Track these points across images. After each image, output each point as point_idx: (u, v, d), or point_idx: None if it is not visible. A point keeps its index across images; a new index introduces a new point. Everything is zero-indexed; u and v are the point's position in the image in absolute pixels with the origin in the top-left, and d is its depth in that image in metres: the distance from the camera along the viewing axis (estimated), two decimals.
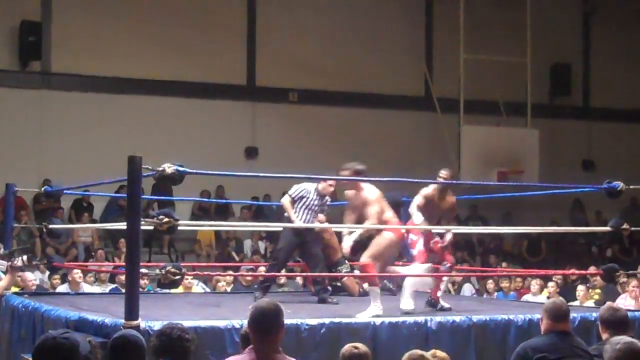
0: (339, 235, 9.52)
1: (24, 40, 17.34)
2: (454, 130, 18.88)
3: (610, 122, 21.61)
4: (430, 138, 19.82)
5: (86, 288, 12.51)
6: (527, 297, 13.17)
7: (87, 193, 15.55)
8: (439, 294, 8.92)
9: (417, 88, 20.37)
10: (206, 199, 16.92)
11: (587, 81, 21.95)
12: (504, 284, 14.09)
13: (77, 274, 12.21)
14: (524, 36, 19.22)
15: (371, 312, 7.90)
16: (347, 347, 5.13)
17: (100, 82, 17.93)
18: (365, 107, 19.79)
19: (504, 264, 16.45)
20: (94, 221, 16.59)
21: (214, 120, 18.59)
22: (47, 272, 13.22)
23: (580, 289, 12.51)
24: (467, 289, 14.74)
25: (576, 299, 12.27)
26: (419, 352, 5.08)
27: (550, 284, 13.16)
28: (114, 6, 18.13)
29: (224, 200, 16.83)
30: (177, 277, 7.53)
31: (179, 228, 8.04)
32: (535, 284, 13.25)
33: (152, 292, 12.26)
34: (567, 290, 13.32)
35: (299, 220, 9.64)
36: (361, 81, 19.67)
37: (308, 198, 9.77)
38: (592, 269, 12.98)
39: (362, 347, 5.12)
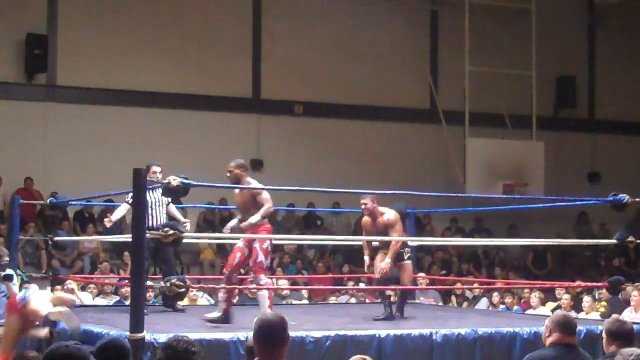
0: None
1: (30, 53, 17.37)
2: (459, 143, 18.87)
3: (615, 134, 21.59)
4: (435, 151, 19.82)
5: (90, 300, 12.50)
6: (530, 311, 13.11)
7: (92, 204, 15.56)
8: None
9: (423, 101, 20.37)
10: (211, 206, 16.84)
11: (593, 94, 21.94)
12: (507, 299, 14.02)
13: (71, 284, 12.17)
14: (529, 49, 19.22)
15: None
16: (355, 359, 5.11)
17: (106, 95, 17.97)
18: (370, 119, 19.80)
19: (511, 275, 16.41)
20: (99, 233, 16.59)
21: (219, 133, 18.60)
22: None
23: (587, 300, 12.47)
24: (484, 304, 14.64)
25: (582, 311, 12.24)
26: None
27: (566, 296, 12.99)
28: (119, 20, 18.17)
29: (226, 207, 16.65)
30: (182, 289, 7.54)
31: (185, 241, 8.05)
32: (534, 297, 13.18)
33: (157, 304, 12.24)
34: (573, 303, 13.27)
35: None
36: (366, 94, 19.68)
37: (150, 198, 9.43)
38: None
39: None
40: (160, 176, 9.64)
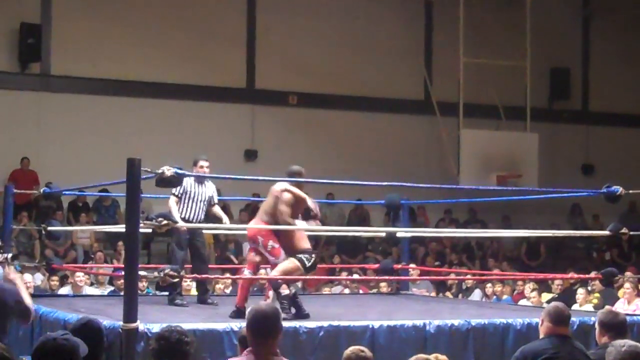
0: None
1: (23, 43, 17.33)
2: (453, 134, 18.87)
3: (609, 126, 21.60)
4: (429, 142, 19.83)
5: (85, 290, 12.51)
6: (522, 302, 13.16)
7: (85, 194, 15.54)
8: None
9: (417, 91, 20.36)
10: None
11: (587, 85, 21.95)
12: (497, 287, 14.07)
13: (78, 277, 12.19)
14: (524, 40, 19.22)
15: None
16: (353, 350, 5.11)
17: (100, 84, 17.93)
18: (364, 110, 19.79)
19: (496, 270, 16.42)
20: (94, 223, 16.57)
21: (213, 123, 18.59)
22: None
23: (581, 292, 12.51)
24: (477, 294, 14.66)
25: (575, 302, 12.27)
26: (423, 356, 5.07)
27: (533, 294, 13.09)
28: (113, 9, 18.12)
29: (220, 198, 16.61)
30: (176, 279, 7.54)
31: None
32: (528, 288, 13.22)
33: (151, 294, 12.26)
34: (566, 294, 13.31)
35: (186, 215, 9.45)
36: (361, 84, 19.67)
37: (189, 190, 9.49)
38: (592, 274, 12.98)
39: (367, 351, 5.12)
40: (207, 170, 9.59)
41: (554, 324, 5.40)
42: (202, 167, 9.59)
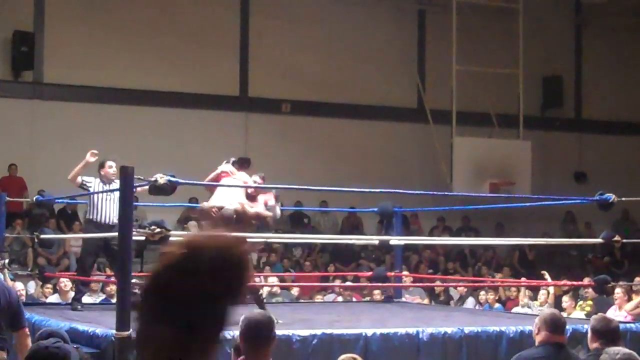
0: None
1: (16, 51, 17.32)
2: (446, 142, 18.89)
3: (602, 134, 21.64)
4: (422, 149, 19.83)
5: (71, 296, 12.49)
6: (517, 309, 13.17)
7: (78, 202, 15.47)
8: None
9: (410, 99, 20.38)
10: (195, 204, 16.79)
11: (579, 93, 21.99)
12: (490, 295, 14.05)
13: (63, 282, 12.19)
14: (516, 48, 19.26)
15: None
16: (345, 358, 5.10)
17: (93, 92, 17.91)
18: (358, 118, 19.80)
19: (498, 275, 16.44)
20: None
21: (206, 131, 18.58)
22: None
23: (565, 299, 12.51)
24: (470, 302, 14.65)
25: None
26: None
27: (525, 300, 13.13)
28: (106, 17, 18.12)
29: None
30: None
31: (172, 238, 8.01)
32: (523, 295, 13.24)
33: None
34: (556, 302, 13.32)
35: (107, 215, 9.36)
36: (354, 92, 19.68)
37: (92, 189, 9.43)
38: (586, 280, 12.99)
39: (359, 359, 5.12)
40: (112, 170, 9.61)
41: (550, 332, 5.40)
42: (110, 167, 9.60)
